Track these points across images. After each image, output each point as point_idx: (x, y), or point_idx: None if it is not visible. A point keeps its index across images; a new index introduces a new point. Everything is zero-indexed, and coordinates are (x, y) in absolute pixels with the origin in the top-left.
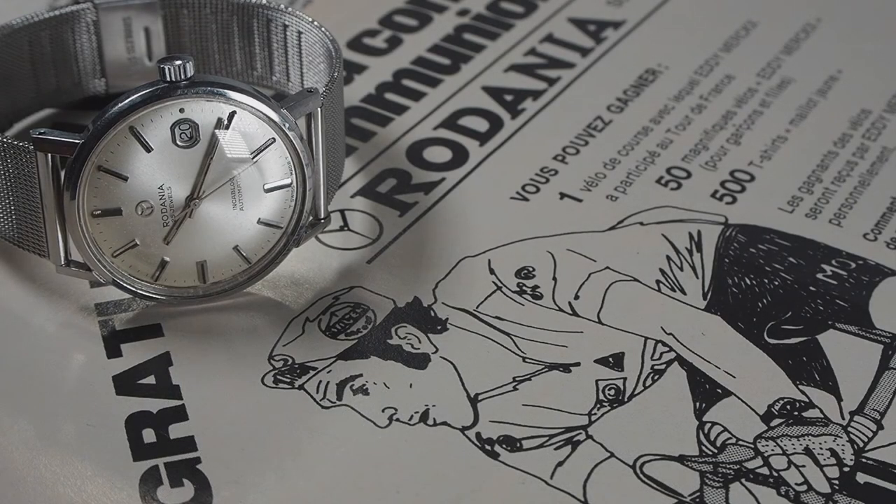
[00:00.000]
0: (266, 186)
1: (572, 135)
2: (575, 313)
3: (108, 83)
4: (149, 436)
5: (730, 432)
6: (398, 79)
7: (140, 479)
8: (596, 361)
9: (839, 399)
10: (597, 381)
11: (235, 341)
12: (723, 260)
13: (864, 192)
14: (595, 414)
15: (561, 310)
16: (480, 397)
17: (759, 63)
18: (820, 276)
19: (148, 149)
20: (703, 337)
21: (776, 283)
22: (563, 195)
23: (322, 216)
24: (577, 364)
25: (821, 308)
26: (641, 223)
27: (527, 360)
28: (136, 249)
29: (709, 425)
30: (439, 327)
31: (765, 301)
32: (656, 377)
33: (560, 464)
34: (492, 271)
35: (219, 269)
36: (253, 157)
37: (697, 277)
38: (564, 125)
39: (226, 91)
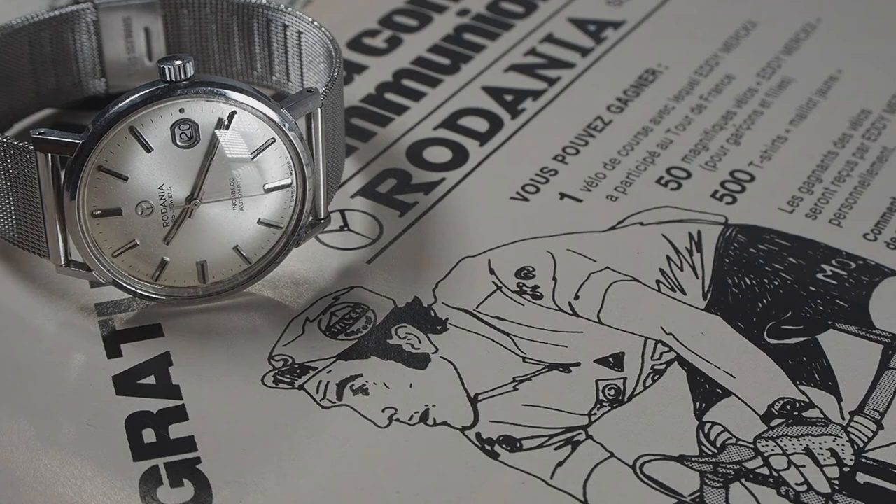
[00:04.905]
0: (266, 186)
1: (572, 135)
2: (575, 313)
3: (108, 83)
4: (149, 436)
5: (730, 432)
6: (398, 79)
7: (140, 479)
8: (596, 361)
9: (839, 399)
10: (597, 381)
11: (235, 341)
12: (723, 260)
13: (864, 192)
14: (595, 414)
15: (561, 310)
16: (480, 397)
17: (759, 63)
18: (820, 276)
19: (148, 149)
20: (703, 337)
21: (776, 283)
22: (563, 195)
23: (322, 216)
24: (577, 364)
25: (821, 308)
26: (641, 223)
27: (527, 360)
28: (136, 249)
29: (709, 425)
30: (439, 327)
31: (765, 301)
32: (656, 377)
33: (560, 464)
34: (492, 271)
35: (219, 269)
36: (253, 157)
37: (697, 277)
38: (564, 125)
39: (226, 91)
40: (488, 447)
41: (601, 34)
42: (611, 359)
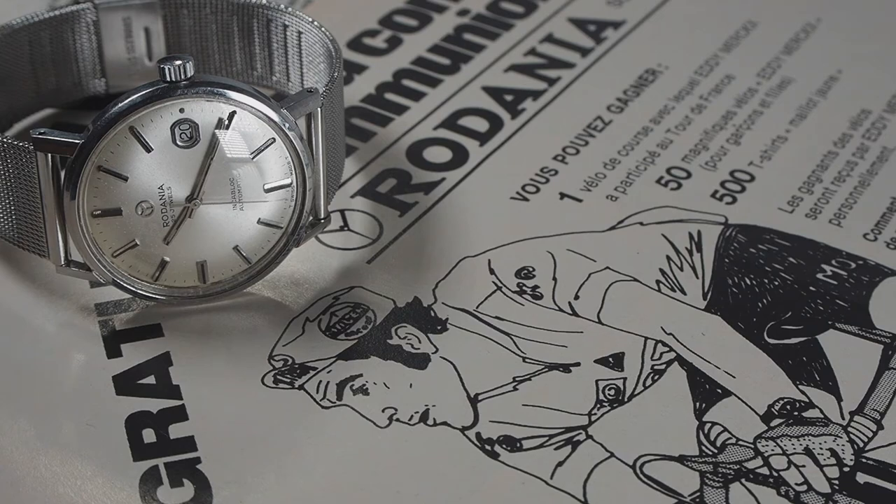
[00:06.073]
0: (266, 186)
1: (572, 135)
2: (575, 313)
3: (108, 83)
4: (149, 436)
5: (730, 432)
6: (398, 79)
7: (140, 479)
8: (596, 361)
9: (839, 399)
10: (597, 381)
11: (235, 341)
12: (723, 260)
13: (864, 192)
14: (595, 414)
15: (561, 310)
16: (480, 397)
17: (759, 63)
18: (820, 276)
19: (148, 149)
20: (703, 337)
21: (776, 283)
22: (563, 195)
23: (322, 216)
24: (577, 364)
25: (821, 308)
26: (641, 223)
27: (527, 360)
28: (136, 249)
29: (709, 425)
30: (439, 327)
31: (765, 301)
32: (656, 377)
33: (560, 464)
34: (492, 271)
35: (219, 269)
36: (253, 157)
37: (697, 277)
38: (564, 125)
39: (226, 91)
40: (488, 447)
41: (601, 34)
42: (611, 359)
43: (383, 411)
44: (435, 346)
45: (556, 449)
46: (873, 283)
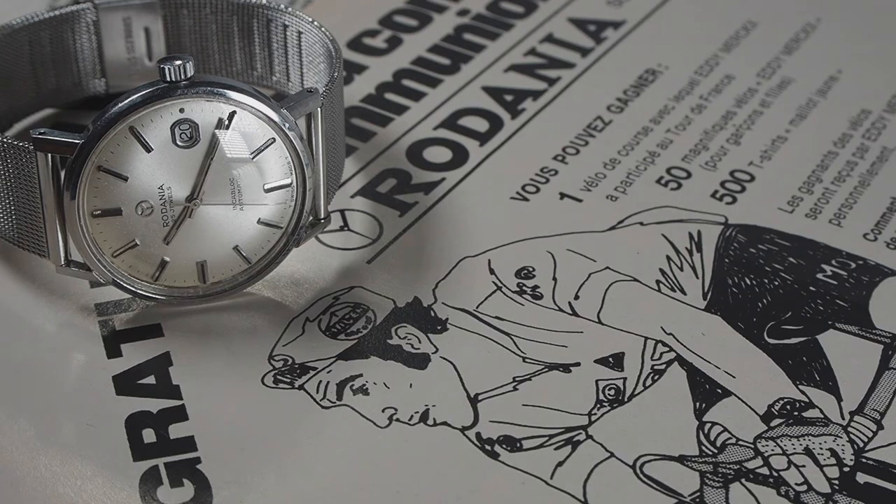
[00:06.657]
0: (266, 186)
1: (572, 135)
2: (575, 313)
3: (108, 83)
4: (149, 436)
5: (730, 432)
6: (398, 79)
7: (140, 479)
8: (596, 361)
9: (839, 399)
10: (597, 381)
11: (235, 341)
12: (723, 260)
13: (864, 192)
14: (595, 414)
15: (561, 310)
16: (480, 397)
17: (759, 63)
18: (820, 276)
19: (148, 149)
20: (703, 337)
21: (776, 283)
22: (563, 195)
23: (322, 216)
24: (577, 364)
25: (821, 308)
26: (641, 223)
27: (527, 360)
28: (136, 249)
29: (709, 425)
30: (439, 327)
31: (765, 301)
32: (656, 377)
33: (560, 464)
34: (492, 271)
35: (219, 269)
36: (253, 157)
37: (697, 277)
38: (564, 125)
39: (226, 91)
40: (488, 447)
41: (601, 34)
42: (611, 359)
43: (383, 411)
44: (435, 346)
45: (556, 449)
46: (873, 283)
